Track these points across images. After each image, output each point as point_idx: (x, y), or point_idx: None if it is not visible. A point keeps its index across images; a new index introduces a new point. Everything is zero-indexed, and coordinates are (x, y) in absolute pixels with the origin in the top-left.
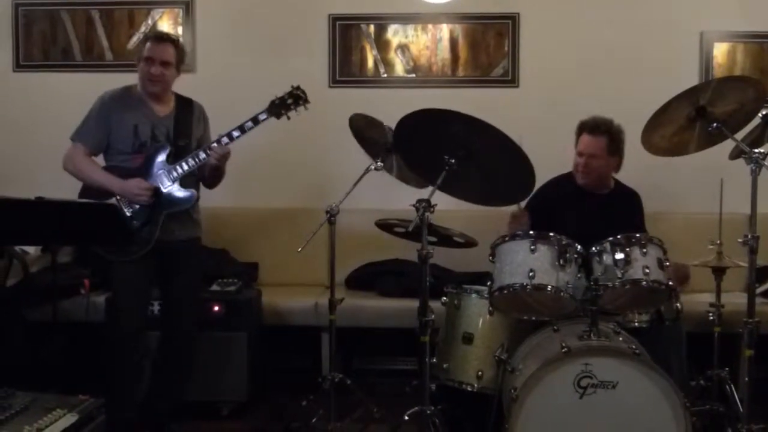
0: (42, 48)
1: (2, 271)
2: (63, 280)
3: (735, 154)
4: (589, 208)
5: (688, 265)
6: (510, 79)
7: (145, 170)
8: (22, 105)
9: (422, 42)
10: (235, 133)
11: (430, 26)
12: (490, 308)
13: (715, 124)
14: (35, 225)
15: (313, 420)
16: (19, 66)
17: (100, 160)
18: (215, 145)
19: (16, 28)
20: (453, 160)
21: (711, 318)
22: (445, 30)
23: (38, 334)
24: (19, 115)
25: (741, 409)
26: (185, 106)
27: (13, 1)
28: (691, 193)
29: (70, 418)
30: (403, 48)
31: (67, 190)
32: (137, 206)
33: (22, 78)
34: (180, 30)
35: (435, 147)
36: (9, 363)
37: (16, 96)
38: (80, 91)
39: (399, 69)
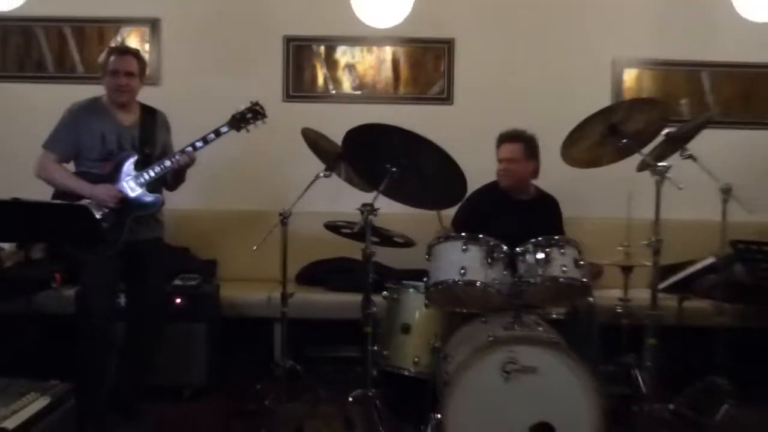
0: (17, 60)
1: None
2: (36, 275)
3: (642, 167)
4: (514, 212)
5: (600, 264)
6: (445, 97)
7: (114, 176)
8: None
9: (367, 62)
10: (199, 144)
11: (375, 48)
12: (426, 302)
13: (624, 141)
14: (11, 224)
15: (266, 402)
16: None
17: (70, 166)
18: (180, 153)
19: None
20: (394, 169)
21: (619, 311)
22: (388, 52)
23: (12, 325)
24: None
25: (645, 391)
26: (149, 115)
27: None
28: (603, 200)
29: (43, 401)
30: (350, 67)
31: (42, 193)
32: (106, 210)
33: None
34: (147, 47)
35: (378, 157)
36: None
37: None
38: (53, 101)
39: (346, 86)
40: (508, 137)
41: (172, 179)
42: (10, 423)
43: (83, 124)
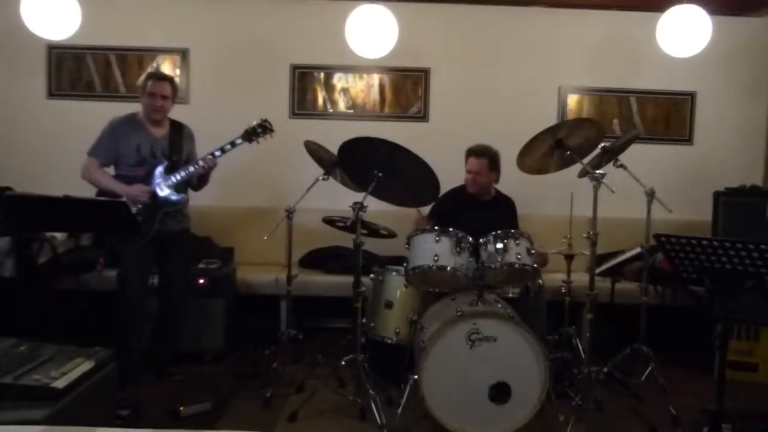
0: (70, 81)
1: (35, 252)
2: (83, 259)
3: (582, 174)
4: (478, 210)
5: (546, 253)
6: (422, 116)
7: (146, 179)
8: (53, 125)
9: (359, 87)
10: (217, 153)
11: (365, 75)
12: (406, 282)
13: (568, 152)
14: (62, 216)
15: (274, 364)
16: (51, 95)
17: (111, 171)
18: (202, 160)
19: (49, 65)
20: (380, 174)
21: (563, 291)
22: (375, 78)
23: (64, 300)
24: (51, 132)
25: (583, 356)
26: (177, 128)
27: (47, 44)
28: (550, 200)
29: (88, 365)
30: (345, 91)
31: (88, 192)
32: (140, 206)
33: (54, 104)
34: (177, 71)
35: (367, 164)
36: (40, 322)
37: (49, 118)
38: (99, 117)
39: (341, 106)
40: (475, 152)
41: (198, 181)
42: (60, 383)
43: (122, 136)
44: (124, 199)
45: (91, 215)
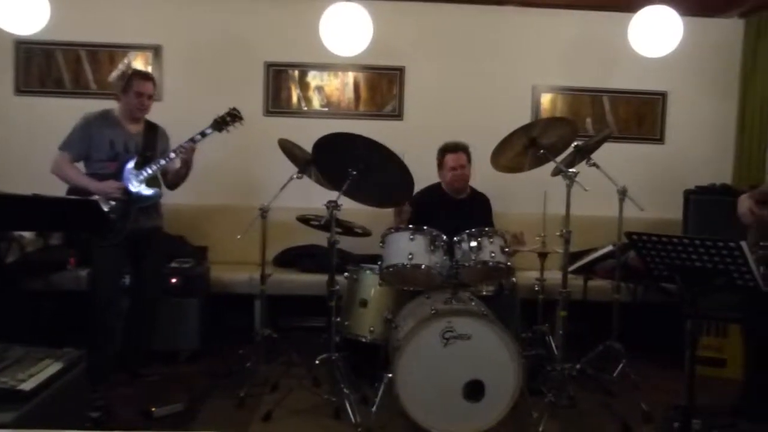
0: (39, 78)
1: (2, 252)
2: (53, 258)
3: (555, 172)
4: (453, 208)
5: (523, 233)
6: (397, 114)
7: (117, 174)
8: (22, 122)
9: (334, 85)
10: (186, 144)
11: (340, 73)
12: (380, 281)
13: (542, 151)
14: (30, 215)
15: (248, 364)
16: (19, 91)
17: (81, 167)
18: (175, 151)
19: (17, 61)
20: (354, 172)
21: (537, 289)
22: (350, 76)
23: (32, 300)
24: (19, 129)
25: (557, 353)
26: (152, 128)
27: (15, 39)
28: (524, 199)
29: (57, 366)
30: (319, 89)
31: (58, 190)
32: (113, 203)
33: (22, 100)
34: (150, 68)
35: (341, 162)
36: (8, 323)
37: (17, 114)
38: (69, 114)
39: (316, 104)
40: (451, 149)
41: (174, 178)
42: (28, 385)
43: (95, 130)
44: (95, 197)
45: (61, 214)
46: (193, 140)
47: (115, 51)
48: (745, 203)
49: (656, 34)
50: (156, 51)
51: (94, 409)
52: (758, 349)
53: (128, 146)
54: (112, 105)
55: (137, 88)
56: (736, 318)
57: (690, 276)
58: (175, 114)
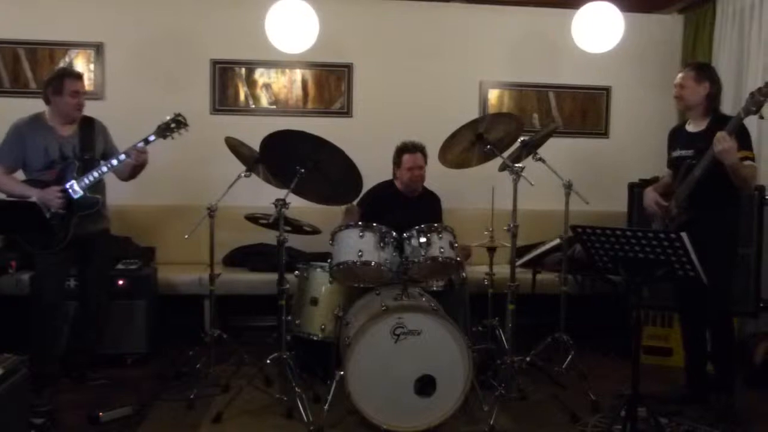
0: None
1: None
2: None
3: (502, 167)
4: (404, 206)
5: (470, 246)
6: (346, 111)
7: (59, 182)
8: None
9: (281, 82)
10: (122, 157)
11: (287, 71)
12: (330, 279)
13: (489, 147)
14: None
15: (198, 365)
16: None
17: (20, 176)
18: (116, 159)
19: None
20: (303, 170)
21: (486, 283)
22: (298, 74)
23: None
24: None
25: (506, 346)
26: (87, 124)
27: None
28: (472, 194)
29: None
30: (267, 86)
31: None
32: (54, 210)
33: None
34: (92, 66)
35: (289, 160)
36: None
37: None
38: (8, 112)
39: (263, 102)
40: (410, 149)
41: (129, 172)
42: None
43: (28, 138)
44: (35, 199)
45: (1, 216)
46: (135, 148)
47: (55, 49)
48: (650, 195)
49: (599, 30)
50: (98, 49)
51: (38, 415)
52: (694, 335)
53: (64, 151)
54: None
55: (72, 88)
56: (678, 307)
57: (633, 267)
58: (118, 113)
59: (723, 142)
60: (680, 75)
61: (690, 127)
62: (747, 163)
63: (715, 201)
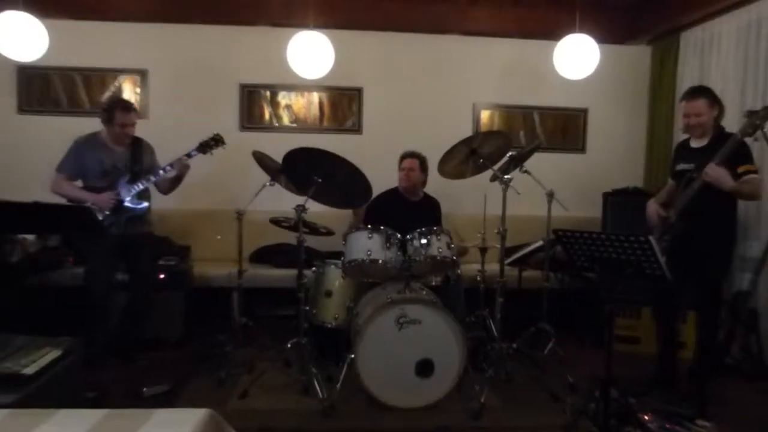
0: (38, 98)
1: (8, 252)
2: (52, 258)
3: (493, 178)
4: (407, 210)
5: (467, 246)
6: (357, 129)
7: (112, 189)
8: (23, 138)
9: (301, 103)
10: (172, 165)
11: (306, 93)
12: (343, 274)
13: (481, 160)
14: (31, 220)
15: (227, 348)
16: (21, 111)
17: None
18: (162, 170)
19: (19, 84)
20: (319, 179)
21: (478, 279)
22: (315, 96)
23: (33, 295)
24: (21, 144)
25: (496, 335)
26: (137, 143)
27: (17, 65)
28: (468, 201)
29: (55, 353)
30: (288, 107)
31: (56, 197)
32: (107, 212)
33: (23, 119)
34: (138, 90)
35: (308, 171)
36: (12, 316)
37: (19, 132)
38: (65, 130)
39: (285, 120)
40: (408, 155)
41: (168, 186)
42: (29, 370)
43: (86, 152)
44: (89, 204)
45: (58, 219)
46: (182, 159)
47: (106, 75)
48: (651, 207)
49: (577, 59)
50: (143, 74)
51: (90, 390)
52: (667, 327)
53: (116, 165)
54: (101, 126)
55: (120, 121)
56: (646, 301)
57: (607, 266)
58: (160, 131)
59: (711, 174)
60: (692, 104)
61: (694, 143)
62: (748, 177)
63: (710, 211)
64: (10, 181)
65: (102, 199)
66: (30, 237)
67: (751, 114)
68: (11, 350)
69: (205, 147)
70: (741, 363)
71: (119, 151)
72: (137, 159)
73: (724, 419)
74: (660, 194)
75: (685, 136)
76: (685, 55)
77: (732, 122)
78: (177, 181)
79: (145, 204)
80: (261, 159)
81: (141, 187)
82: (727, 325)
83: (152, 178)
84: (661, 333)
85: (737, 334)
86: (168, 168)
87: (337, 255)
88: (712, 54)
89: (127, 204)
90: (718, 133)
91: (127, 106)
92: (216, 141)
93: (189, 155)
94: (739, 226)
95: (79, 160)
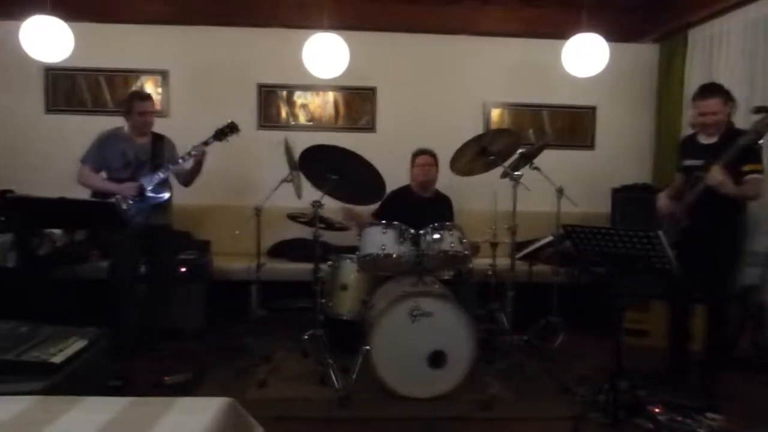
0: (64, 98)
1: (35, 246)
2: (78, 251)
3: (503, 175)
4: (420, 206)
5: (478, 242)
6: (371, 127)
7: (134, 178)
8: (50, 136)
9: (316, 102)
10: (194, 151)
11: (321, 93)
12: (358, 268)
13: (492, 157)
14: (58, 215)
15: (246, 339)
16: (48, 110)
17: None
18: (181, 158)
19: (46, 84)
20: (335, 176)
21: (489, 273)
22: (330, 95)
23: (62, 287)
24: (48, 141)
25: (506, 327)
26: (158, 138)
27: (45, 66)
28: (479, 197)
29: (82, 343)
30: (304, 106)
31: (81, 193)
32: (130, 202)
33: (50, 118)
34: (159, 90)
35: (324, 168)
36: (40, 307)
37: (47, 130)
38: (90, 128)
39: (302, 119)
40: (422, 151)
41: (188, 176)
42: (57, 359)
43: (109, 145)
44: (113, 199)
45: (83, 214)
46: (199, 146)
47: (128, 75)
48: (661, 200)
49: (586, 58)
50: (164, 75)
51: (115, 378)
52: (679, 322)
53: (139, 156)
54: (123, 122)
55: (138, 109)
56: (655, 295)
57: (616, 261)
58: (181, 128)
59: (714, 178)
60: (707, 103)
61: (702, 139)
62: (750, 177)
63: (719, 208)
64: (38, 178)
65: (125, 188)
66: (57, 231)
67: (759, 110)
68: (40, 340)
69: (220, 134)
70: (750, 357)
71: (141, 143)
72: (158, 152)
73: (733, 412)
74: (670, 187)
75: (691, 131)
76: (692, 53)
77: (740, 119)
78: (196, 171)
79: (167, 194)
80: (288, 148)
81: (162, 176)
82: (737, 320)
83: (171, 167)
84: (672, 326)
85: (746, 328)
86: (186, 156)
87: (353, 249)
88: (720, 51)
89: (149, 194)
90: (728, 129)
91: (143, 95)
92: (231, 128)
93: (206, 143)
94: (749, 221)
95: (102, 152)
